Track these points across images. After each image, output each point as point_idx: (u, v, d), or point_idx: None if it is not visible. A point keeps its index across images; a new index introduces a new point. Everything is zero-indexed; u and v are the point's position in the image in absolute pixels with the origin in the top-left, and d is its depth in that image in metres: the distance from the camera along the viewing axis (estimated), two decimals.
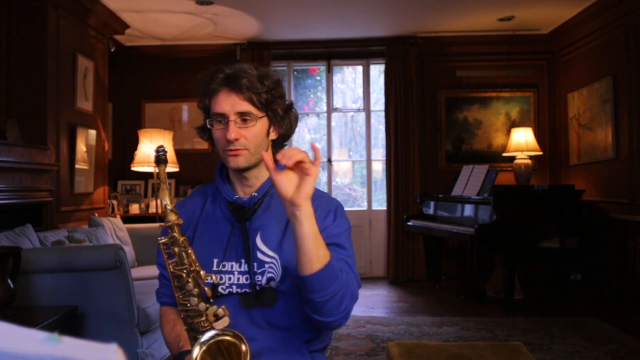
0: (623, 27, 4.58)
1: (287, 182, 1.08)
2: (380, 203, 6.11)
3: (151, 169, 5.07)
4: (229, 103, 1.23)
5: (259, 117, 1.25)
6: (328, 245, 1.16)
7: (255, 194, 1.29)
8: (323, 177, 6.14)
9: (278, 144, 1.35)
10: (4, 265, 2.09)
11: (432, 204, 5.25)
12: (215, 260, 1.27)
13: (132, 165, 5.06)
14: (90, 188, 4.69)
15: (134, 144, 5.21)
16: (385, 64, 5.81)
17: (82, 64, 4.52)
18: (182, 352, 1.21)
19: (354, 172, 6.42)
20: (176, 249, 1.14)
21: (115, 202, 5.31)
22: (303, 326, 1.26)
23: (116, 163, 5.79)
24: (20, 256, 2.18)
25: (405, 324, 3.98)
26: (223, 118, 1.24)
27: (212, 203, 1.36)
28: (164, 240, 1.15)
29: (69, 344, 0.35)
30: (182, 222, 1.17)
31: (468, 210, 4.73)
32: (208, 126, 1.27)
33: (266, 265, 1.24)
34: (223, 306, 1.15)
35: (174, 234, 1.15)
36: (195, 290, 1.14)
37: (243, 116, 1.24)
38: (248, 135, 1.24)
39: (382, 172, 6.10)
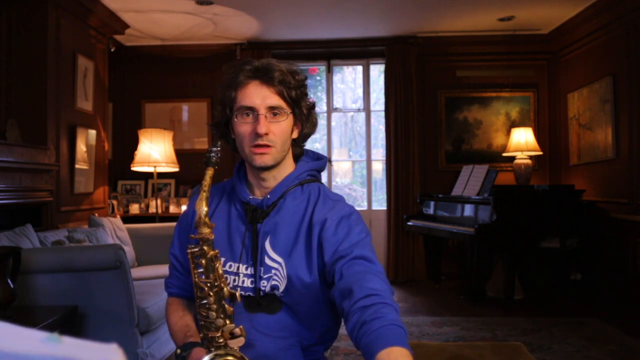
0: (623, 27, 4.58)
1: None
2: (380, 203, 6.11)
3: (151, 169, 5.08)
4: (260, 96, 1.18)
5: (289, 113, 1.21)
6: (353, 259, 1.10)
7: (269, 196, 1.24)
8: (323, 177, 6.13)
9: (298, 144, 1.31)
10: (4, 265, 2.08)
11: (432, 204, 5.25)
12: (222, 259, 1.22)
13: (132, 165, 5.07)
14: (90, 188, 4.69)
15: (134, 144, 5.22)
16: (385, 64, 5.80)
17: (82, 64, 4.52)
18: (190, 343, 1.17)
19: (354, 172, 6.42)
20: (203, 262, 1.11)
21: (115, 202, 5.31)
22: (305, 334, 1.22)
23: (116, 163, 5.79)
24: (20, 256, 2.18)
25: (406, 324, 3.94)
26: (252, 112, 1.18)
27: (227, 201, 1.31)
28: (193, 250, 1.11)
29: (69, 344, 0.35)
30: (213, 237, 1.12)
31: (468, 210, 4.72)
32: (235, 120, 1.20)
33: (272, 271, 1.20)
34: (241, 326, 1.12)
35: (205, 247, 1.11)
36: (214, 306, 1.11)
37: (273, 110, 1.19)
38: (276, 131, 1.19)
39: (382, 172, 6.09)
